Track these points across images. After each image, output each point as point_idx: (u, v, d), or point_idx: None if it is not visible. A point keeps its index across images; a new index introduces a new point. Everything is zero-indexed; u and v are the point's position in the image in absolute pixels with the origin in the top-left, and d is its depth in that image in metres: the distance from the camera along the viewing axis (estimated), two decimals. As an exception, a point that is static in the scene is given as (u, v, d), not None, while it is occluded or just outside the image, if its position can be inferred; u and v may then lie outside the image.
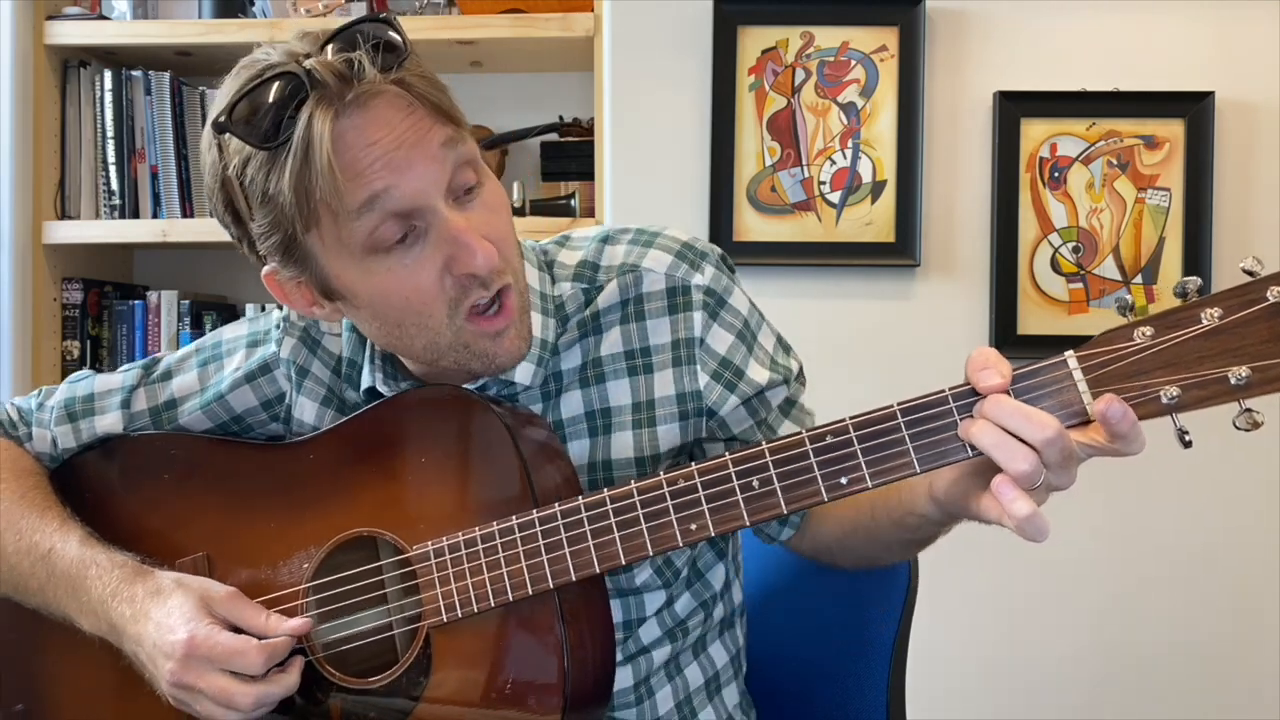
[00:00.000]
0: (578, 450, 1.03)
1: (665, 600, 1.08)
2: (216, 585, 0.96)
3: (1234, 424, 0.79)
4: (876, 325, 2.05)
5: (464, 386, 1.00)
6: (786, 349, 1.08)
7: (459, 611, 0.92)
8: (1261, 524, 2.04)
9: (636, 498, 0.89)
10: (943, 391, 0.84)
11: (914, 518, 0.96)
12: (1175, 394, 0.79)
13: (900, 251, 2.03)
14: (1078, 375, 0.81)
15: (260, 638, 0.93)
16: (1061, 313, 2.04)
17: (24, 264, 2.06)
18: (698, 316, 1.02)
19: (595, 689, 0.95)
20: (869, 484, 0.85)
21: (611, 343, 1.03)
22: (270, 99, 0.86)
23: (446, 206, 0.90)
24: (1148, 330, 0.80)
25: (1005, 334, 2.03)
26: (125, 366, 1.14)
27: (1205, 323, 0.79)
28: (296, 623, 0.94)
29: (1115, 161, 2.04)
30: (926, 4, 2.01)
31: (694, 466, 0.88)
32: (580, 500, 0.91)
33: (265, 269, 0.97)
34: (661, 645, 1.09)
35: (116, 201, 2.13)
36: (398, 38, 0.89)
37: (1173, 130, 2.03)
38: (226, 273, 2.37)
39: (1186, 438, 0.82)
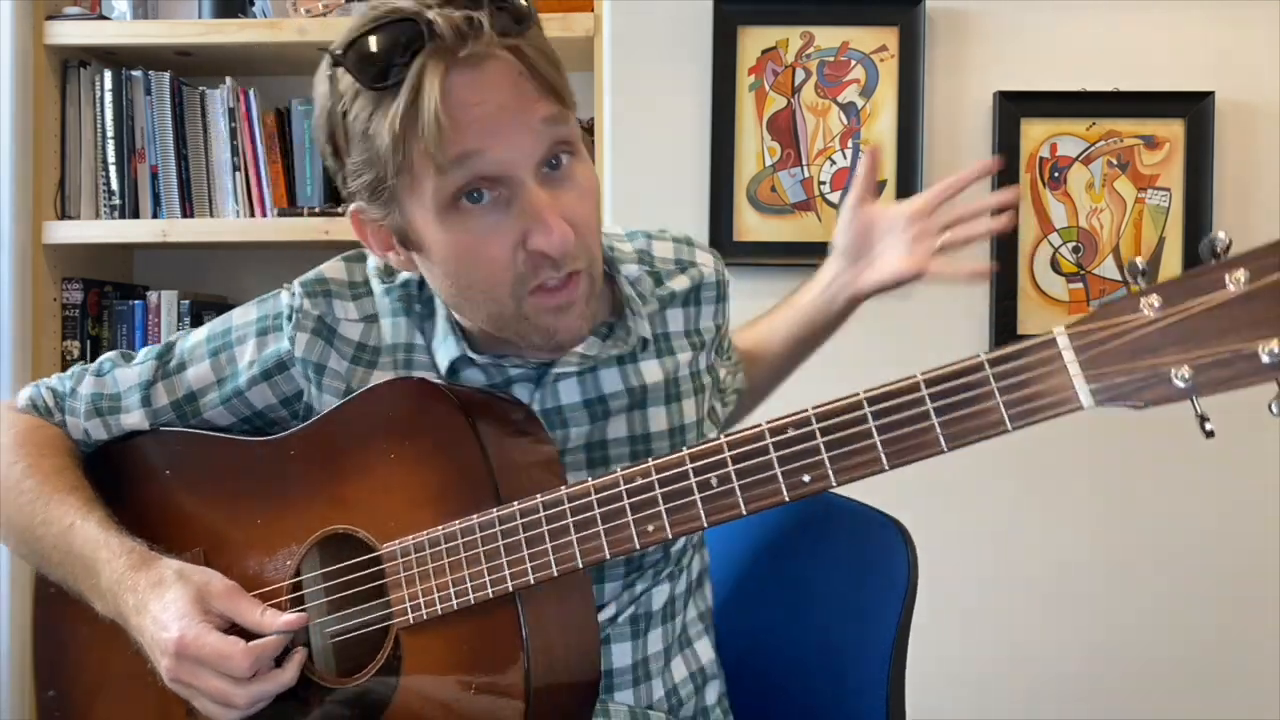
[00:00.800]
0: (656, 416, 1.07)
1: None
2: (218, 580, 0.96)
3: (1270, 409, 0.67)
4: (876, 325, 2.05)
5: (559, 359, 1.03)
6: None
7: (424, 613, 0.91)
8: (1262, 524, 2.04)
9: (594, 496, 0.86)
10: (914, 377, 0.77)
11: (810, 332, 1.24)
12: (1189, 375, 0.68)
13: (900, 251, 2.03)
14: (1068, 356, 0.71)
15: (255, 634, 0.93)
16: (1062, 313, 2.04)
17: (24, 264, 2.06)
18: (727, 308, 1.17)
19: (571, 692, 0.93)
20: (833, 482, 0.79)
21: (676, 321, 1.11)
22: (388, 42, 0.87)
23: (535, 181, 0.90)
24: (1155, 300, 0.69)
25: (1005, 334, 2.03)
26: (142, 355, 1.13)
27: (1230, 288, 0.67)
28: (289, 618, 0.94)
29: (1115, 161, 2.04)
30: (926, 4, 2.01)
31: (651, 463, 0.85)
32: (539, 499, 0.88)
33: (352, 206, 0.98)
34: (661, 584, 1.11)
35: (116, 201, 2.13)
36: (524, 5, 0.90)
37: (1173, 130, 2.03)
38: (226, 273, 2.37)
39: (1208, 426, 0.70)
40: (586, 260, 0.95)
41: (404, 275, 1.06)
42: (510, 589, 0.88)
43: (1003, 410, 0.74)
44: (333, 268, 1.08)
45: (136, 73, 2.14)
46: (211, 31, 2.10)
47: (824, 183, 2.05)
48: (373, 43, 0.87)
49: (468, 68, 0.87)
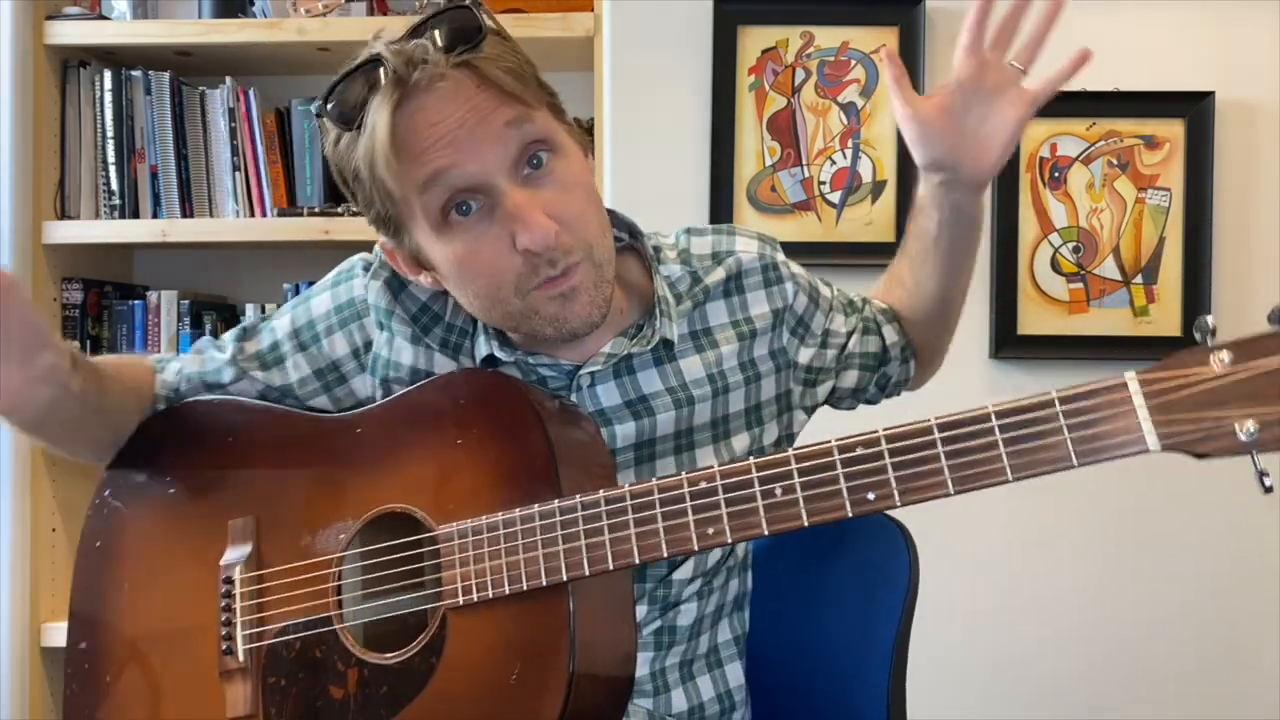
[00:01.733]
0: (701, 410, 1.07)
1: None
2: None
3: None
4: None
5: (603, 351, 1.04)
6: (826, 284, 1.20)
7: (474, 595, 0.92)
8: (1262, 524, 2.04)
9: (656, 495, 0.88)
10: (985, 408, 0.80)
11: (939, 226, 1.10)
12: (1254, 430, 0.72)
13: (900, 251, 2.03)
14: (1138, 400, 0.75)
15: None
16: (1062, 313, 2.04)
17: (24, 264, 2.06)
18: (789, 287, 1.13)
19: (608, 688, 0.94)
20: (897, 501, 0.81)
21: (718, 314, 1.11)
22: (351, 86, 0.94)
23: (512, 184, 0.93)
24: (1225, 356, 0.73)
25: (1005, 334, 2.03)
26: (226, 345, 1.16)
27: None
28: None
29: (1115, 161, 2.04)
30: (926, 4, 2.01)
31: (716, 468, 0.87)
32: (601, 494, 0.90)
33: (379, 241, 1.05)
34: (689, 601, 1.11)
35: (116, 201, 2.13)
36: (474, 21, 0.93)
37: (1173, 130, 2.03)
38: (226, 273, 2.37)
39: (1267, 481, 0.73)
40: (583, 251, 0.97)
41: None
42: (564, 578, 0.90)
43: (1070, 446, 0.77)
44: None
45: (136, 73, 2.14)
46: (211, 31, 2.10)
47: (824, 183, 2.05)
48: (340, 89, 0.94)
49: (422, 92, 0.91)
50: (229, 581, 1.03)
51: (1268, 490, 0.73)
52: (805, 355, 1.14)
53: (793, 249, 2.09)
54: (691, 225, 1.16)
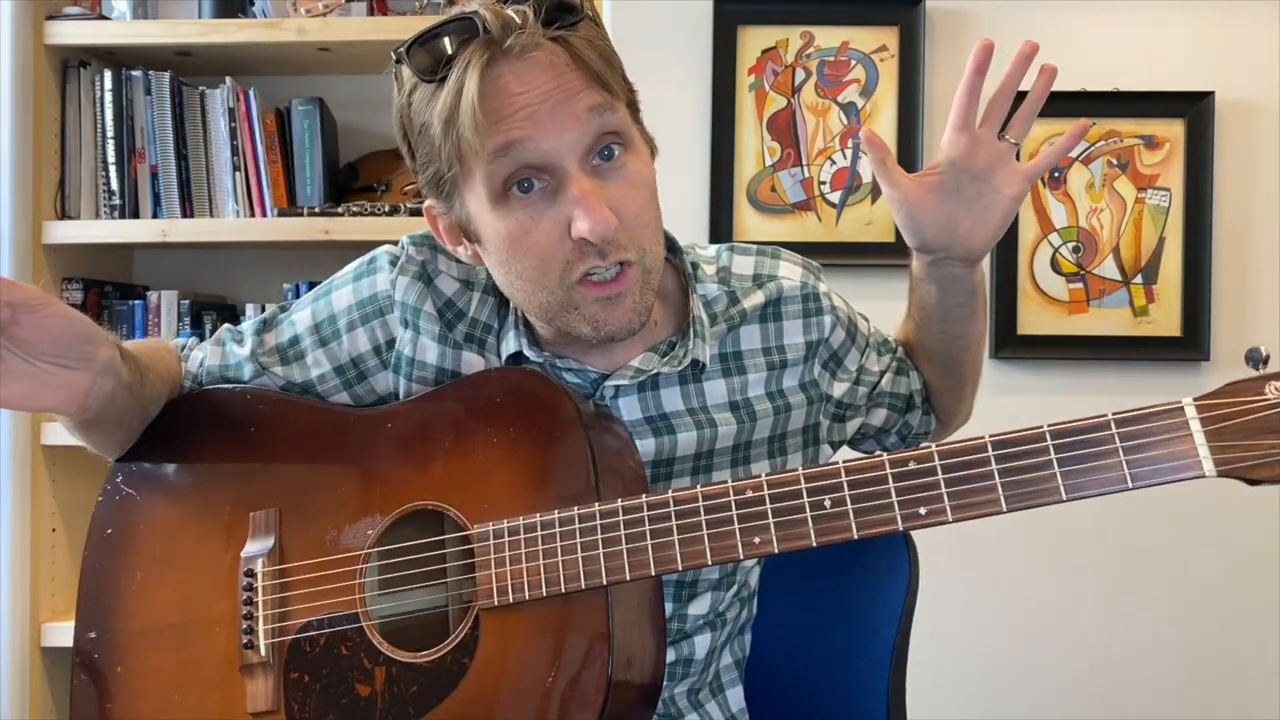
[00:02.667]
0: (724, 434, 1.05)
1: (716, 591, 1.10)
2: None
3: None
4: (876, 326, 2.05)
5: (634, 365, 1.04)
6: (864, 318, 1.20)
7: (510, 595, 0.91)
8: (1262, 524, 2.04)
9: (701, 503, 0.87)
10: (1040, 428, 0.80)
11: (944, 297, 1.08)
12: None
13: (900, 251, 2.02)
14: (1195, 425, 0.76)
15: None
16: (1062, 313, 2.05)
17: (24, 264, 2.06)
18: (827, 320, 1.11)
19: (641, 691, 0.94)
20: (949, 517, 0.81)
21: (751, 338, 1.09)
22: (441, 38, 0.91)
23: (580, 170, 0.92)
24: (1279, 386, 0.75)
25: (1005, 333, 2.04)
26: (245, 337, 1.14)
27: None
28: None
29: (1115, 161, 2.04)
30: (926, 4, 2.01)
31: (764, 478, 0.86)
32: (644, 499, 0.89)
33: (425, 203, 1.02)
34: (702, 633, 1.10)
35: (116, 201, 2.13)
36: (574, 0, 0.92)
37: (1173, 130, 2.03)
38: (226, 273, 2.37)
39: None
40: (637, 252, 0.96)
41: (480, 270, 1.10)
42: (604, 582, 0.89)
43: (1125, 469, 0.78)
44: None
45: (136, 73, 2.14)
46: (211, 31, 2.10)
47: (824, 183, 2.05)
48: (428, 41, 0.91)
49: (513, 58, 0.89)
50: (250, 574, 1.02)
51: None
52: (839, 390, 1.12)
53: (793, 249, 2.10)
54: (735, 243, 1.15)
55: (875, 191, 2.04)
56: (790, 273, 1.12)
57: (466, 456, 0.98)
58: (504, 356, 1.05)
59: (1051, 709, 2.07)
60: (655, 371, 1.04)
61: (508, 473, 0.96)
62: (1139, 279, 2.04)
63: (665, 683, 1.08)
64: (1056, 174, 2.04)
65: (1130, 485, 0.78)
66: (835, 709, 1.22)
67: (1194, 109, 2.02)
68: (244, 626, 1.02)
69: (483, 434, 0.98)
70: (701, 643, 1.10)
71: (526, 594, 0.91)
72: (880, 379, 1.16)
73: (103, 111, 2.13)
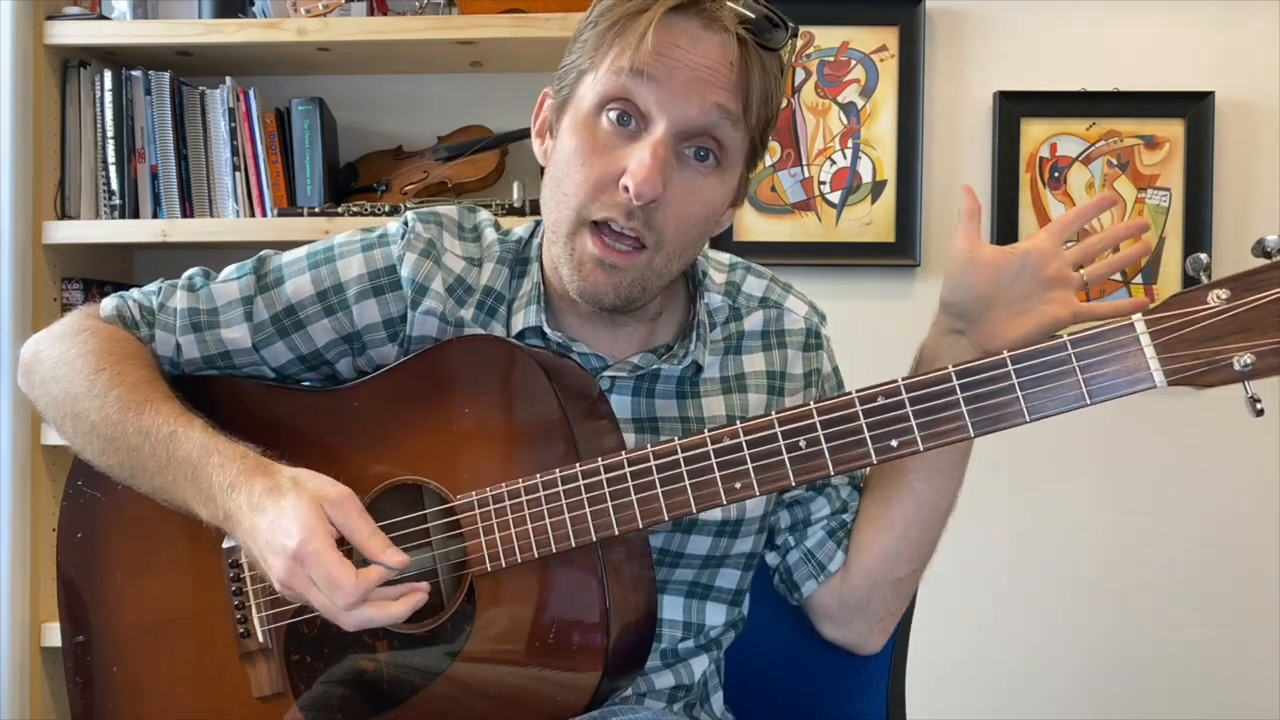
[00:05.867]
0: None
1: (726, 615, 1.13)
2: (330, 486, 0.93)
3: None
4: (876, 325, 2.05)
5: (629, 361, 1.05)
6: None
7: (503, 561, 0.93)
8: (1262, 524, 2.04)
9: (680, 454, 0.90)
10: (1001, 354, 0.83)
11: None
12: (1249, 361, 0.77)
13: (900, 251, 2.03)
14: (1145, 340, 0.79)
15: (362, 554, 0.91)
16: (1061, 313, 2.04)
17: (24, 264, 2.06)
18: (825, 359, 1.15)
19: (635, 642, 0.96)
20: (920, 446, 0.84)
21: (754, 362, 1.11)
22: None
23: (666, 139, 0.94)
24: (1223, 293, 0.77)
25: (1005, 334, 2.03)
26: (234, 270, 1.11)
27: None
28: (397, 558, 0.90)
29: (1115, 161, 2.04)
30: (926, 4, 2.01)
31: (739, 425, 0.88)
32: (624, 455, 0.91)
33: (546, 89, 1.06)
34: (697, 655, 1.12)
35: (116, 201, 2.13)
36: (775, 26, 0.99)
37: (1173, 130, 2.03)
38: (226, 273, 2.37)
39: (1259, 405, 0.79)
40: (656, 241, 0.97)
41: (516, 231, 1.12)
42: (594, 539, 0.91)
43: (1083, 386, 0.81)
44: (448, 209, 1.12)
45: (136, 73, 2.13)
46: (211, 31, 2.10)
47: (824, 183, 2.05)
48: None
49: (699, 18, 0.94)
50: (236, 565, 1.02)
51: (1259, 414, 0.79)
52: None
53: (793, 249, 2.11)
54: (753, 265, 1.17)
55: (875, 192, 2.04)
56: (796, 307, 1.15)
57: (439, 428, 0.99)
58: (514, 330, 1.06)
59: (1052, 708, 2.07)
60: (654, 368, 1.05)
61: (483, 440, 0.97)
62: (1139, 279, 2.04)
63: (673, 703, 1.10)
64: (1056, 174, 2.04)
65: (1089, 401, 0.81)
66: (835, 709, 1.22)
67: (1194, 109, 2.02)
68: (237, 616, 1.02)
69: (453, 404, 0.99)
70: (699, 664, 1.12)
71: (519, 557, 0.93)
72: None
73: (103, 111, 2.12)
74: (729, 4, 0.95)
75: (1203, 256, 0.81)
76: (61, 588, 1.10)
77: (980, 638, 2.07)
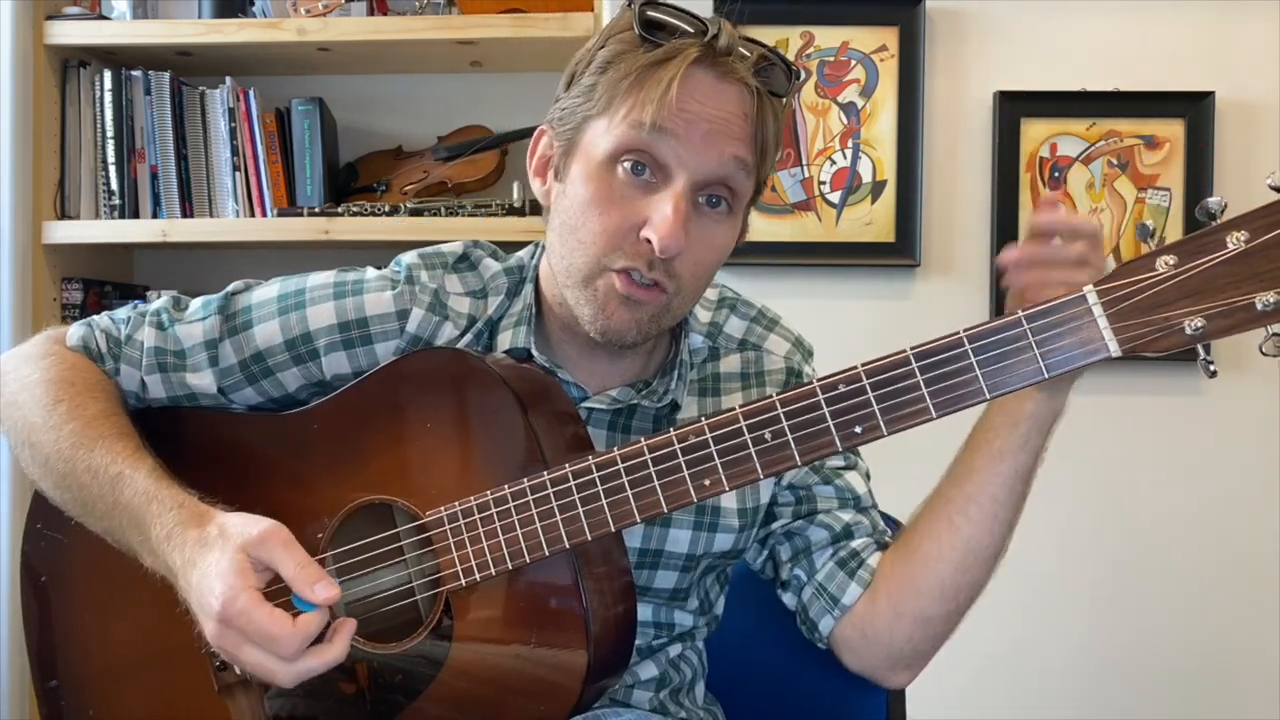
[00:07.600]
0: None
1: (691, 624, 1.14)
2: (253, 526, 0.88)
3: (1260, 350, 0.77)
4: (876, 325, 2.05)
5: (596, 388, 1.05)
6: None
7: (477, 575, 0.93)
8: (1261, 523, 2.04)
9: (648, 455, 0.89)
10: (958, 333, 0.83)
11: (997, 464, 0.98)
12: (1200, 325, 0.77)
13: (900, 251, 2.03)
14: (1097, 311, 0.80)
15: (291, 588, 0.87)
16: (1061, 313, 2.04)
17: (24, 264, 2.06)
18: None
19: (617, 645, 0.96)
20: (884, 432, 0.84)
21: (733, 401, 1.10)
22: (682, 19, 0.98)
23: (685, 191, 0.96)
24: (1170, 259, 0.78)
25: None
26: (200, 308, 1.09)
27: (1231, 247, 0.76)
28: (325, 593, 0.86)
29: (1115, 161, 2.04)
30: (926, 4, 2.01)
31: (705, 421, 0.88)
32: (590, 460, 0.91)
33: (542, 125, 1.06)
34: (674, 644, 1.13)
35: (116, 201, 2.13)
36: (786, 74, 1.00)
37: (1173, 130, 2.03)
38: (226, 273, 2.35)
39: (1211, 368, 0.80)
40: (674, 288, 0.99)
41: (515, 259, 1.12)
42: (567, 545, 0.91)
43: (1040, 360, 0.82)
44: (450, 246, 1.12)
45: (136, 73, 2.14)
46: (211, 31, 2.10)
47: (824, 183, 2.05)
48: (670, 12, 0.98)
49: (716, 71, 0.95)
50: None
51: (1212, 375, 0.80)
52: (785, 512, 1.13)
53: (792, 249, 2.10)
54: (740, 300, 1.18)
55: (875, 192, 2.04)
56: (777, 347, 1.15)
57: (403, 445, 0.98)
58: (499, 350, 1.05)
59: (1052, 708, 2.07)
60: (632, 403, 1.06)
61: (449, 456, 0.97)
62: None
63: (666, 717, 1.10)
64: (1057, 174, 2.04)
65: (1047, 375, 0.81)
66: (835, 708, 1.22)
67: (1194, 109, 2.02)
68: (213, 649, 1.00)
69: (415, 421, 0.98)
70: (690, 659, 1.14)
71: (493, 570, 0.92)
72: (833, 475, 1.13)
73: (102, 111, 2.13)
74: (743, 53, 0.96)
75: (1149, 223, 0.81)
76: (30, 632, 1.08)
77: (980, 637, 2.07)
